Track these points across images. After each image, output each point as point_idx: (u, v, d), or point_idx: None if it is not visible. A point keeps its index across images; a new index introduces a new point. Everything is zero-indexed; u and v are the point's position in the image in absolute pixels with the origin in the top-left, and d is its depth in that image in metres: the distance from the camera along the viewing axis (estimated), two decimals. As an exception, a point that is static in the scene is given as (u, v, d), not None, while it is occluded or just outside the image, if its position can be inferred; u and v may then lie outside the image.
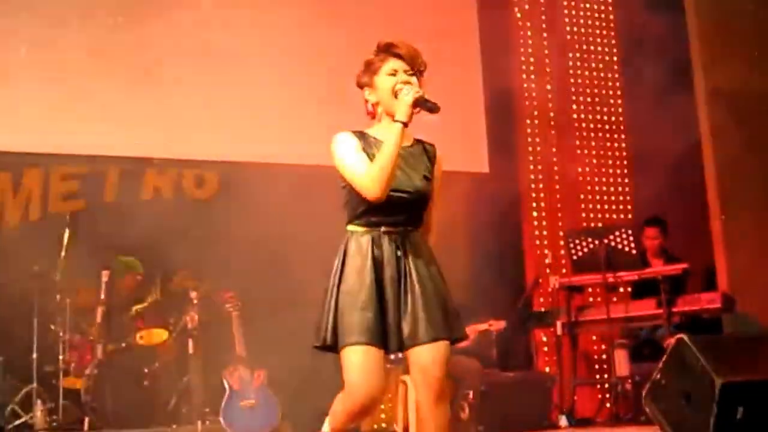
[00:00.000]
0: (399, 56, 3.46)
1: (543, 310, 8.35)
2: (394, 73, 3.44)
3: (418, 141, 3.55)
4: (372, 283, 3.34)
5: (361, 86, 3.54)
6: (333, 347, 3.37)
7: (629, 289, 8.09)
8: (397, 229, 3.42)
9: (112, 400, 6.48)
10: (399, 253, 3.39)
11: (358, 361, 3.29)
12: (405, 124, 3.34)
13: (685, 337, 4.69)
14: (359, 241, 3.40)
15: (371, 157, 3.38)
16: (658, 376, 4.79)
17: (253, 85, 7.86)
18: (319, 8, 8.21)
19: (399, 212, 3.41)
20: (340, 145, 3.43)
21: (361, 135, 3.47)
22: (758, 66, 7.63)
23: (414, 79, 3.44)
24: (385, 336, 3.33)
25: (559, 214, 9.11)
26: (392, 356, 3.44)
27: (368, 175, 3.32)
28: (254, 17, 8.02)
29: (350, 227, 3.47)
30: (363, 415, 3.47)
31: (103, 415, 6.48)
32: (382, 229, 3.40)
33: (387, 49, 3.49)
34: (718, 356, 4.57)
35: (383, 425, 7.58)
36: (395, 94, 3.39)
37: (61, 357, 6.76)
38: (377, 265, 3.36)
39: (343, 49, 7.42)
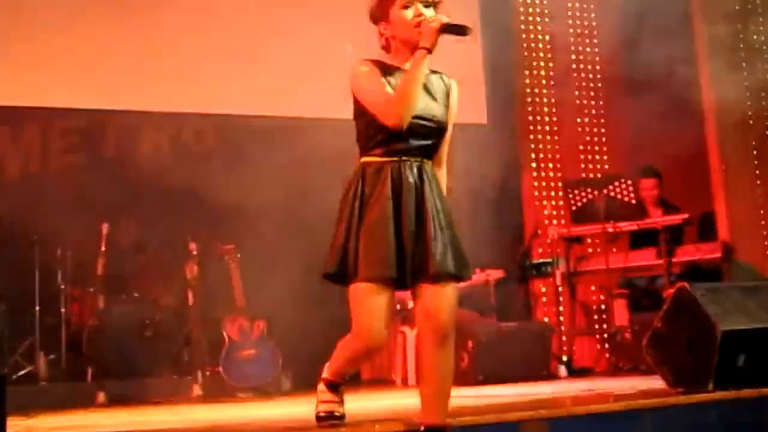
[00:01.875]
0: None
1: (542, 260, 8.34)
2: (409, 5, 3.33)
3: (434, 72, 3.45)
4: (393, 216, 3.25)
5: (375, 20, 3.43)
6: (342, 277, 3.28)
7: (628, 239, 8.09)
8: (415, 159, 3.32)
9: (113, 350, 6.52)
10: (417, 183, 3.29)
11: (371, 301, 3.21)
12: (429, 51, 3.25)
13: (686, 284, 4.69)
14: (377, 171, 3.30)
15: (391, 85, 3.30)
16: (659, 324, 4.79)
17: (250, 37, 7.80)
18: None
19: (417, 140, 3.31)
20: (361, 71, 3.34)
21: (381, 64, 3.38)
22: (760, 15, 7.57)
23: (431, 11, 3.33)
24: (402, 270, 3.23)
25: (558, 165, 9.09)
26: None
27: (392, 101, 3.24)
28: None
29: (366, 158, 3.36)
30: (366, 359, 3.41)
31: (105, 366, 6.53)
32: (402, 158, 3.30)
33: None
34: (719, 304, 4.57)
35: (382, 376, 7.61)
36: (417, 24, 3.28)
37: (62, 309, 6.82)
38: (396, 196, 3.27)
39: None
